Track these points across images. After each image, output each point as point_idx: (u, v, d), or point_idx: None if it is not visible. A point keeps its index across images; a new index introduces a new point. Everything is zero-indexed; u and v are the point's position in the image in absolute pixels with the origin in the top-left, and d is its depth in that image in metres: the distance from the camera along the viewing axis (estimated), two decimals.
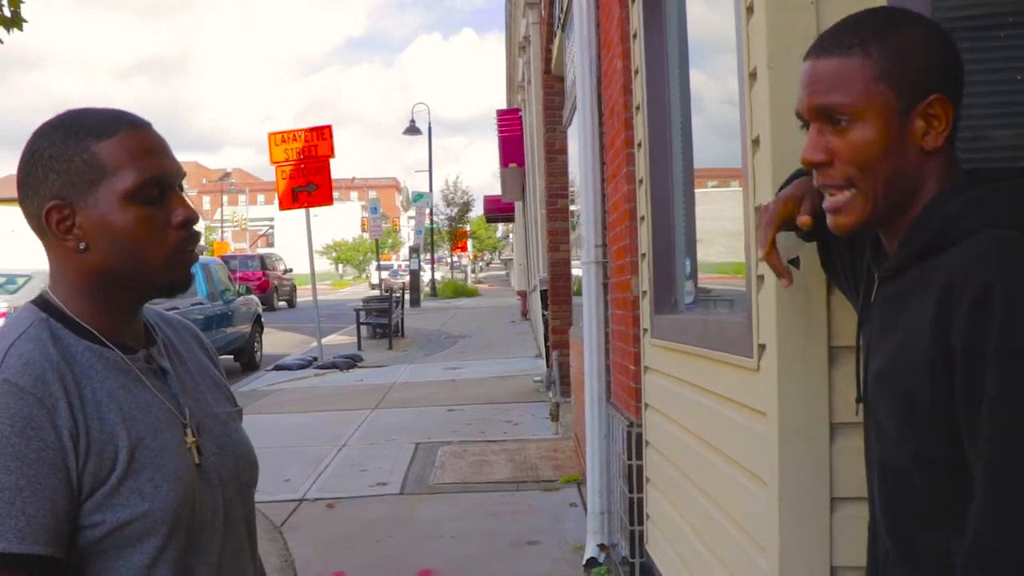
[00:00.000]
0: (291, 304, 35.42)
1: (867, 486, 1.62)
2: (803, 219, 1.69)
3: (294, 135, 16.12)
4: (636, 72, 3.96)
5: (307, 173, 15.90)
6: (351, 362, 16.34)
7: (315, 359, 16.36)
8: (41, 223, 1.38)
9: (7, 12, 5.60)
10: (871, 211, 1.45)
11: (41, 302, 1.42)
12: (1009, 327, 1.22)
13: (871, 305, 1.55)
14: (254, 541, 1.61)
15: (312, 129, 16.21)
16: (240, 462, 1.55)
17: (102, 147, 1.36)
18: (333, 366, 15.93)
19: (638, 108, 3.93)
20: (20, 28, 5.62)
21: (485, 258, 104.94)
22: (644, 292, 3.93)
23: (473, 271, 78.70)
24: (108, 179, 1.36)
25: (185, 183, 1.57)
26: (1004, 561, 1.24)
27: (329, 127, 16.14)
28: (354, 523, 6.52)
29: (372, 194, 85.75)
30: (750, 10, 2.18)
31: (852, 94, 1.42)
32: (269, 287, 32.66)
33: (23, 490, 1.21)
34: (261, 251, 42.72)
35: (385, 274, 44.84)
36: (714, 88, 3.38)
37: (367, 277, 37.63)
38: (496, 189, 26.34)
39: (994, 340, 1.22)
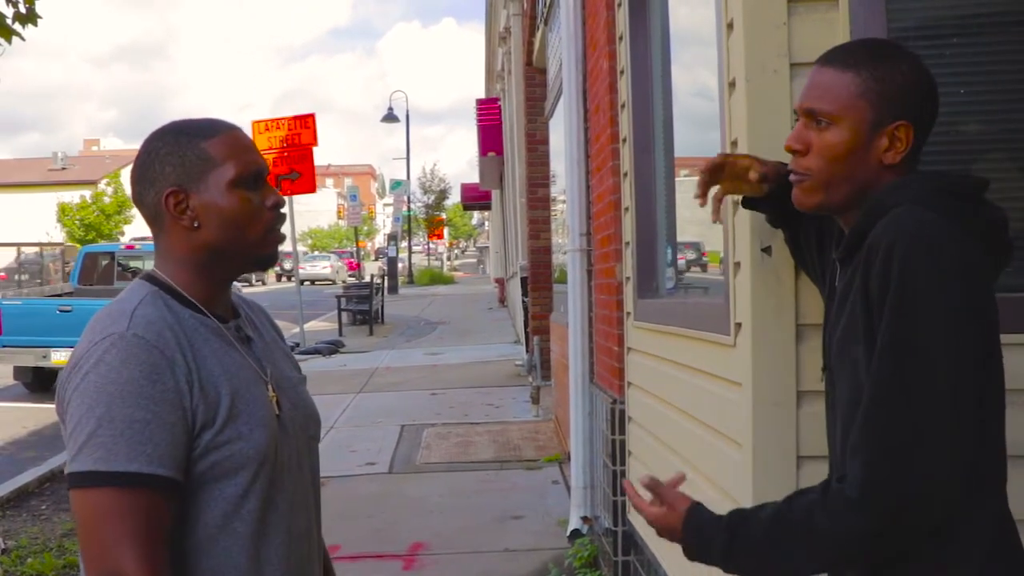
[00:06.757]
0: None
1: (828, 444, 1.85)
2: (752, 175, 2.03)
3: (278, 123, 16.19)
4: (622, 72, 4.16)
5: (290, 161, 15.99)
6: (333, 348, 16.55)
7: (297, 344, 16.48)
8: (160, 207, 1.64)
9: (23, 9, 5.72)
10: (822, 198, 1.74)
11: (150, 278, 1.67)
12: (901, 287, 1.47)
13: (835, 287, 1.83)
14: (318, 486, 1.87)
15: (296, 118, 16.30)
16: (309, 419, 1.82)
17: (210, 144, 1.64)
18: (316, 351, 16.10)
19: (623, 106, 4.13)
20: (35, 24, 5.74)
21: (460, 246, 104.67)
22: (628, 278, 4.13)
23: (448, 259, 78.63)
24: (216, 169, 1.63)
25: None
26: (872, 491, 1.47)
27: (312, 116, 16.22)
28: (346, 500, 6.76)
29: (348, 181, 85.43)
30: (730, 27, 2.43)
31: (836, 103, 1.71)
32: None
33: (151, 423, 1.47)
34: None
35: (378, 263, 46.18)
36: (694, 83, 3.57)
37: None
38: (473, 177, 26.44)
39: (890, 296, 1.48)
